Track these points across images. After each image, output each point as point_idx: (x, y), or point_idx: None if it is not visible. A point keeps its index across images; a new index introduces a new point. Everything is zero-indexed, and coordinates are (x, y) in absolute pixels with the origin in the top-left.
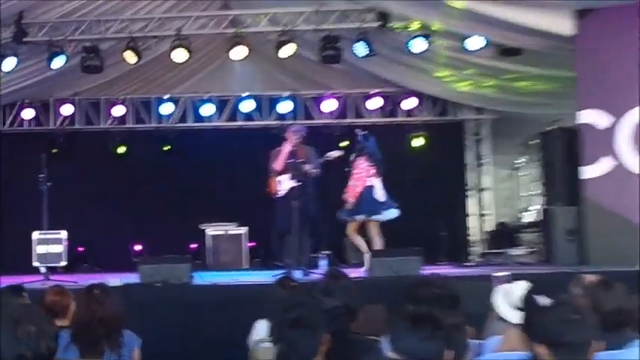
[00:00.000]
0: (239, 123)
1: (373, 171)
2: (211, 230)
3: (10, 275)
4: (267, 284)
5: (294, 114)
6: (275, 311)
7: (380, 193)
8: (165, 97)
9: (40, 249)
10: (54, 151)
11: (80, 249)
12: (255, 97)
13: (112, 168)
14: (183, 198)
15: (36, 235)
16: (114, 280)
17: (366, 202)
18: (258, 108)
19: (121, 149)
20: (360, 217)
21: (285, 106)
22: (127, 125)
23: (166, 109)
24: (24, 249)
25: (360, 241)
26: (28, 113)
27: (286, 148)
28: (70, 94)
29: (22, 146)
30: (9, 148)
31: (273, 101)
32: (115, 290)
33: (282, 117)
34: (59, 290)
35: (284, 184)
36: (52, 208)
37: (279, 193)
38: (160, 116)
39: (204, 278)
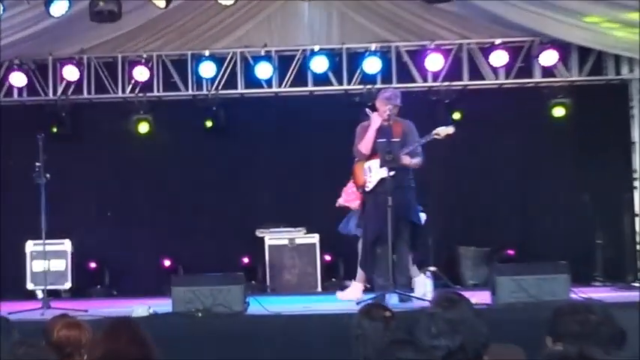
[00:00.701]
0: (308, 88)
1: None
2: (271, 238)
3: None
4: (349, 314)
5: (385, 74)
6: (361, 353)
7: None
8: (206, 53)
9: (36, 266)
10: (54, 130)
11: (91, 265)
12: (331, 53)
13: (132, 153)
14: (232, 194)
15: (30, 246)
16: (139, 307)
17: None
18: (336, 67)
19: (144, 127)
20: None
21: (372, 64)
22: (153, 93)
23: (207, 70)
24: (15, 265)
25: None
26: (18, 78)
27: (375, 122)
28: (76, 51)
29: (11, 125)
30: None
31: (357, 57)
32: (141, 322)
33: (368, 79)
34: (72, 322)
35: (374, 173)
36: (51, 208)
37: (367, 185)
38: (198, 80)
39: (262, 305)
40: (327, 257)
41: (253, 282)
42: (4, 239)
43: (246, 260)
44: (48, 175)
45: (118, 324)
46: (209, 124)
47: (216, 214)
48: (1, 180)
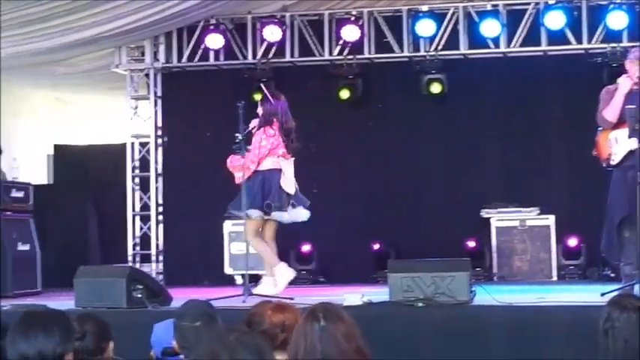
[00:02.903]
0: (542, 48)
1: None
2: (499, 219)
3: (182, 287)
4: (594, 306)
5: (633, 31)
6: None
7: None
8: (424, 8)
9: (234, 248)
10: (256, 97)
11: (304, 248)
12: (569, 6)
13: (337, 122)
14: (454, 168)
15: (229, 226)
16: (351, 295)
17: None
18: (574, 22)
19: (344, 93)
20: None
21: (617, 19)
22: (363, 55)
23: (425, 28)
24: (213, 248)
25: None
26: (214, 40)
27: (624, 86)
28: (277, 8)
29: (207, 92)
30: (188, 93)
31: (599, 11)
32: (351, 312)
33: (613, 36)
34: (285, 306)
35: (621, 144)
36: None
37: (612, 159)
38: (415, 40)
39: (491, 295)
40: (569, 241)
41: (478, 269)
42: (202, 219)
43: (470, 244)
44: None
45: (321, 305)
46: (433, 88)
47: (435, 192)
48: (198, 153)
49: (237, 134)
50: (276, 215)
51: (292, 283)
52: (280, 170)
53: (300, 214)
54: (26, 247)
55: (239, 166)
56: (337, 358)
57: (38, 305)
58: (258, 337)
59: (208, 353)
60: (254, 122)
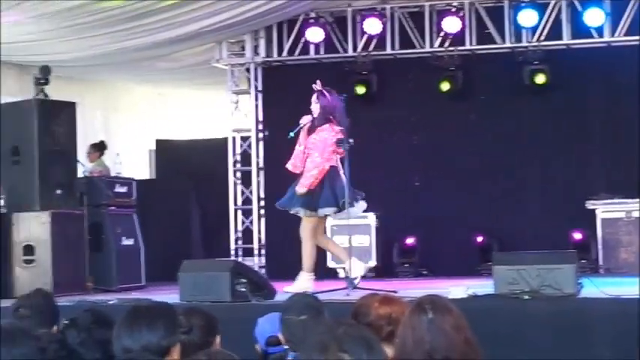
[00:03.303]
0: None
1: None
2: (604, 211)
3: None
4: None
5: None
6: None
7: None
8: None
9: (337, 241)
10: (359, 90)
11: (398, 241)
12: None
13: (440, 114)
14: (557, 159)
15: (330, 220)
16: (456, 288)
17: None
18: None
19: (445, 85)
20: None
21: None
22: (464, 47)
23: (528, 18)
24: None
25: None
26: (314, 34)
27: None
28: (377, 1)
29: (308, 84)
30: (289, 87)
31: None
32: (456, 304)
33: None
34: (392, 298)
35: None
36: (354, 177)
37: None
38: (517, 30)
39: (598, 287)
40: None
41: (584, 261)
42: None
43: (576, 236)
44: (351, 141)
45: (428, 298)
46: (537, 79)
47: (538, 183)
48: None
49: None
50: (352, 211)
51: (395, 275)
52: (337, 167)
53: (363, 206)
54: (130, 242)
55: (313, 168)
56: (446, 349)
57: (144, 299)
58: (366, 330)
59: (317, 345)
60: (306, 119)
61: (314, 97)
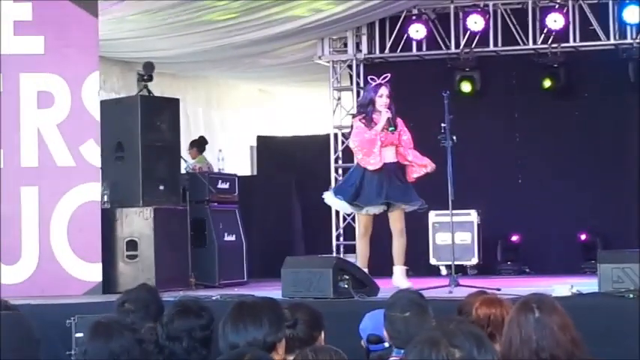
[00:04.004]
0: None
1: None
2: None
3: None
4: None
5: None
6: None
7: None
8: None
9: (439, 238)
10: (464, 88)
11: (502, 238)
12: None
13: (544, 111)
14: None
15: (433, 217)
16: (560, 286)
17: None
18: None
19: (548, 82)
20: None
21: None
22: (568, 43)
23: (632, 14)
24: (417, 238)
25: None
26: (417, 30)
27: None
28: None
29: (411, 82)
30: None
31: None
32: (561, 303)
33: None
34: (493, 299)
35: None
36: (456, 175)
37: None
38: (622, 26)
39: None
40: None
41: None
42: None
43: None
44: (454, 138)
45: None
46: None
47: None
48: None
49: (442, 124)
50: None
51: (498, 273)
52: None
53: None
54: (232, 238)
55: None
56: (553, 348)
57: (247, 295)
58: (476, 327)
59: (428, 340)
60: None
61: (388, 91)
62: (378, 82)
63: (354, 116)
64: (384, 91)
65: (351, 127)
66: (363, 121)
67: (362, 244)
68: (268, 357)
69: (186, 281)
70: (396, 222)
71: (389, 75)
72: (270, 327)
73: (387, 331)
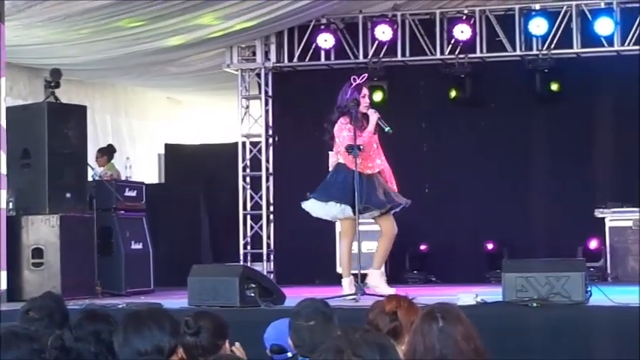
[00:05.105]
0: None
1: None
2: (613, 219)
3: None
4: None
5: None
6: None
7: None
8: (536, 7)
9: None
10: (375, 97)
11: (422, 247)
12: None
13: (449, 121)
14: (567, 168)
15: (339, 226)
16: (465, 295)
17: None
18: None
19: (455, 92)
20: None
21: None
22: (475, 54)
23: (538, 26)
24: (324, 246)
25: None
26: (325, 40)
27: None
28: (388, 8)
29: (319, 89)
30: (299, 92)
31: None
32: (465, 311)
33: None
34: (401, 300)
35: None
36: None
37: None
38: (527, 38)
39: (607, 295)
40: None
41: (592, 269)
42: (313, 218)
43: (586, 244)
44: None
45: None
46: (551, 87)
47: (548, 190)
48: (309, 152)
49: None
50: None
51: (405, 282)
52: None
53: None
54: (139, 246)
55: None
56: (456, 358)
57: (151, 303)
58: (384, 336)
59: (333, 348)
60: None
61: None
62: (359, 81)
63: (336, 118)
64: (365, 91)
65: (331, 129)
66: (353, 124)
67: (348, 249)
68: None
69: (93, 289)
70: (393, 225)
71: (367, 75)
72: (172, 330)
73: (292, 339)
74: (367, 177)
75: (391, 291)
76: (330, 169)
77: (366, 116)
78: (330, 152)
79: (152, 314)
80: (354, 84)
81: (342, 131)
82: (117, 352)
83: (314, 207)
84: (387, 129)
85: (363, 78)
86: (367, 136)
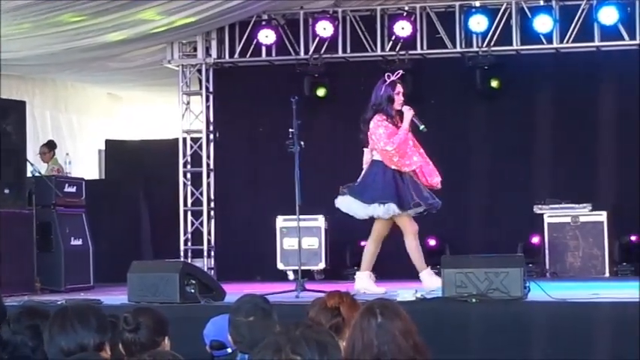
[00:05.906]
0: (595, 43)
1: None
2: (551, 215)
3: (234, 282)
4: None
5: None
6: None
7: None
8: (476, 4)
9: (286, 243)
10: (319, 93)
11: (362, 243)
12: (623, 2)
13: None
14: (506, 164)
15: (280, 222)
16: (404, 291)
17: None
18: (627, 18)
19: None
20: None
21: None
22: (416, 50)
23: (478, 23)
24: (265, 243)
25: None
26: (266, 36)
27: None
28: (329, 4)
29: (259, 87)
30: (240, 88)
31: None
32: (404, 307)
33: None
34: (343, 295)
35: None
36: (305, 180)
37: None
38: (468, 35)
39: (545, 291)
40: (622, 238)
41: (531, 265)
42: (254, 214)
43: (525, 240)
44: (302, 143)
45: (378, 301)
46: (491, 84)
47: (488, 187)
48: (250, 149)
49: (290, 129)
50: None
51: (345, 278)
52: None
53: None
54: (79, 242)
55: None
56: (394, 354)
57: (93, 300)
58: (325, 333)
59: (272, 345)
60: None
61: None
62: (393, 78)
63: (371, 116)
64: (399, 87)
65: (367, 126)
66: (390, 121)
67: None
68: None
69: (32, 285)
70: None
71: (401, 71)
72: (98, 327)
73: (231, 335)
74: (408, 175)
75: (381, 291)
76: (364, 166)
77: (400, 113)
78: (364, 149)
79: (77, 312)
80: (388, 81)
81: (379, 128)
82: (46, 351)
83: (355, 207)
84: (421, 127)
85: (397, 74)
86: (403, 134)
